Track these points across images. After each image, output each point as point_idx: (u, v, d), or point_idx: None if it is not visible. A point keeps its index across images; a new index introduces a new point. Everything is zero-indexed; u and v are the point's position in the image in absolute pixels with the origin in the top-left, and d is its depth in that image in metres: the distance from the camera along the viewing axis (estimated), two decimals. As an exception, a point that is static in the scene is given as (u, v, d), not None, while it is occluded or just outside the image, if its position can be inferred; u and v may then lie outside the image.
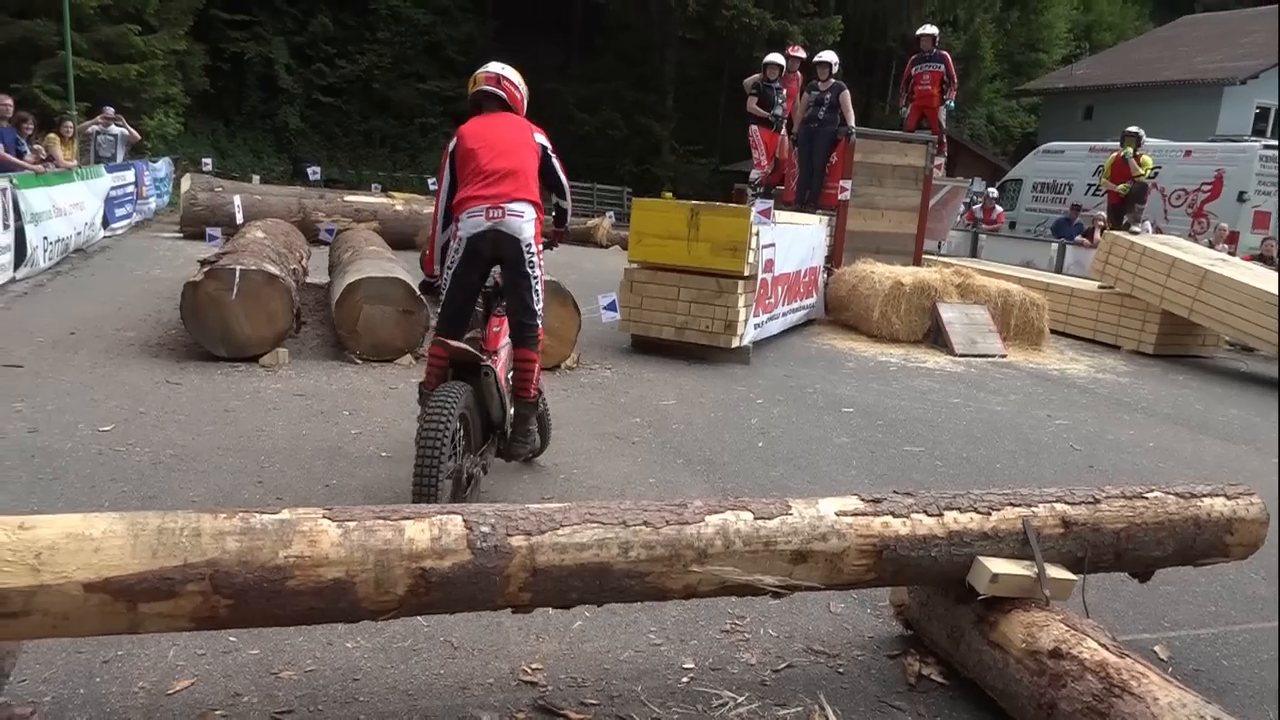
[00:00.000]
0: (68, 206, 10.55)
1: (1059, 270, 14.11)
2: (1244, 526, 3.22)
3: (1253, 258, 12.21)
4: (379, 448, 4.96)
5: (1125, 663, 2.53)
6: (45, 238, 9.61)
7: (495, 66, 4.37)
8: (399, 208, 14.52)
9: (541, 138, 4.28)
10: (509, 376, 4.31)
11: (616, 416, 5.99)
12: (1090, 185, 17.14)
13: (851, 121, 10.99)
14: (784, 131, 11.73)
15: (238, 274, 6.36)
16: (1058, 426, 6.81)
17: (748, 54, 23.74)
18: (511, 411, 4.30)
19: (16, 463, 4.27)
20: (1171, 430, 7.08)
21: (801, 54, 12.32)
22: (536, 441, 4.54)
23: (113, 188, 13.16)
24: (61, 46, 16.31)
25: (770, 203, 8.35)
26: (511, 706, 2.70)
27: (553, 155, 4.30)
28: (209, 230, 9.58)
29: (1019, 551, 2.92)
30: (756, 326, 8.22)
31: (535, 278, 4.11)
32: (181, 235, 13.39)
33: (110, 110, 15.32)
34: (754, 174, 11.90)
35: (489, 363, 4.01)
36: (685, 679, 2.94)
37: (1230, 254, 12.28)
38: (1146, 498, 3.13)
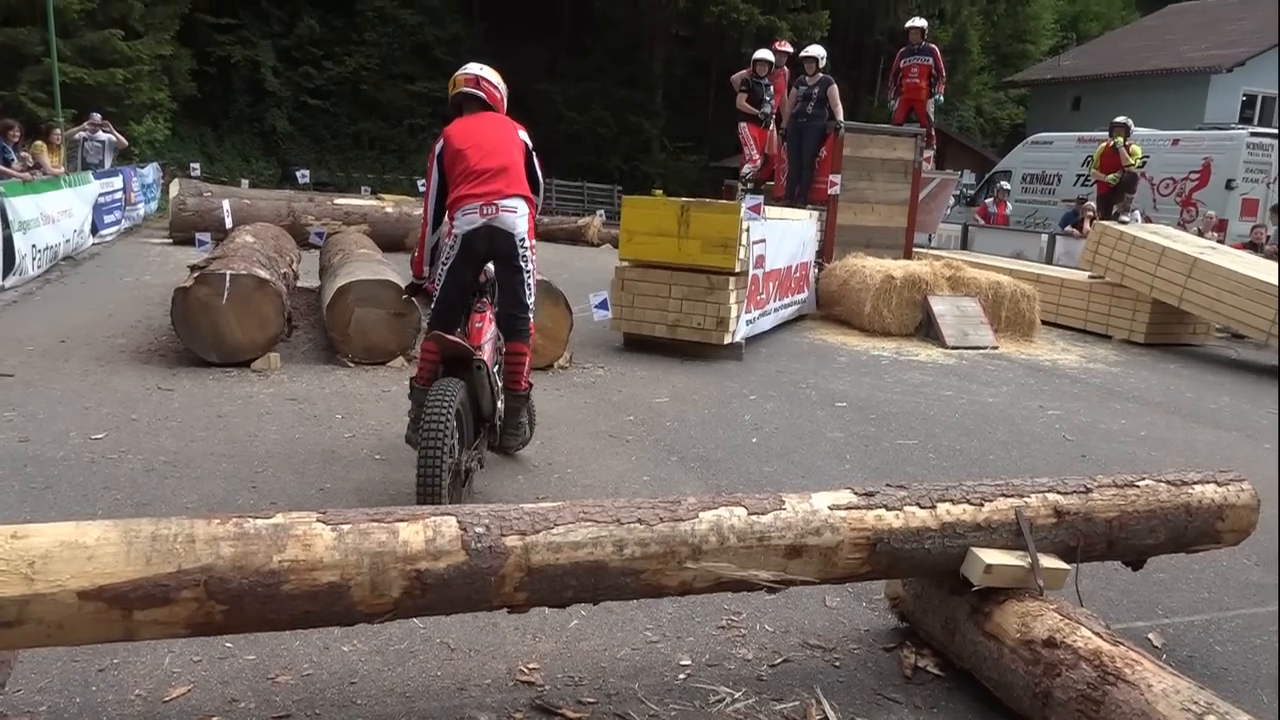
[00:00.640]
0: (56, 214, 10.51)
1: (1049, 261, 14.14)
2: (1235, 513, 3.24)
3: (1242, 245, 12.25)
4: (373, 450, 4.95)
5: (1119, 650, 2.54)
6: (34, 245, 9.57)
7: (473, 68, 4.43)
8: (389, 210, 14.49)
9: (524, 135, 4.34)
10: (497, 370, 4.33)
11: (609, 415, 5.99)
12: (1079, 176, 17.17)
13: (840, 116, 11.00)
14: (773, 127, 11.73)
15: (228, 279, 6.35)
16: (1050, 417, 6.83)
17: (736, 50, 23.76)
18: (502, 405, 4.32)
19: (8, 472, 4.26)
20: (1163, 419, 7.11)
21: (789, 49, 12.33)
22: (527, 433, 4.58)
23: (101, 194, 13.11)
24: (47, 53, 16.25)
25: (760, 199, 8.38)
26: (509, 706, 2.70)
27: (533, 154, 4.37)
28: (198, 235, 9.56)
29: (1012, 542, 2.93)
30: (749, 323, 8.22)
31: (528, 272, 4.17)
32: (171, 241, 13.36)
33: (97, 116, 15.27)
34: (745, 170, 11.91)
35: (480, 356, 4.02)
36: (682, 676, 2.95)
37: (1220, 242, 12.33)
38: (1138, 486, 3.15)
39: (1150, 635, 3.44)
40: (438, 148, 4.25)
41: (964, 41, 29.90)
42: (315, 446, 4.96)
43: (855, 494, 2.88)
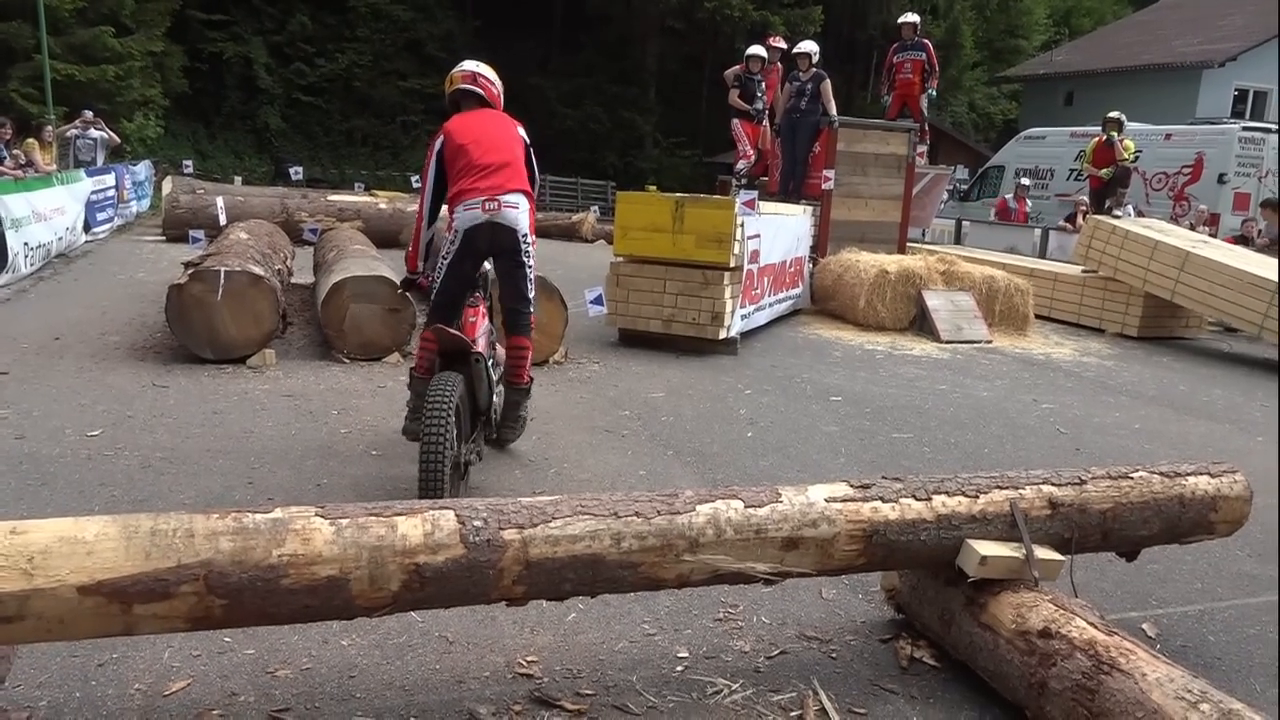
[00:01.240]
0: (48, 212, 10.48)
1: (1043, 255, 14.18)
2: (1228, 504, 3.26)
3: (1234, 239, 12.30)
4: (369, 446, 4.96)
5: (1114, 640, 2.56)
6: (26, 243, 9.54)
7: (470, 64, 4.45)
8: (383, 206, 14.47)
9: (523, 132, 4.37)
10: (492, 363, 4.34)
11: (606, 410, 6.00)
12: (1072, 170, 17.20)
13: (833, 111, 11.01)
14: (766, 123, 11.74)
15: (222, 275, 6.34)
16: (1044, 410, 6.86)
17: (729, 45, 23.77)
18: (499, 399, 4.34)
19: (4, 469, 4.26)
20: (1157, 411, 7.14)
21: (782, 45, 12.32)
22: (523, 427, 4.59)
23: (93, 192, 13.07)
24: (38, 50, 16.20)
25: (754, 194, 8.38)
26: (508, 699, 2.71)
27: (531, 150, 4.39)
28: (192, 232, 9.56)
29: (1007, 534, 2.95)
30: (743, 317, 8.24)
31: (530, 267, 4.19)
32: (164, 238, 13.31)
33: (89, 114, 15.22)
34: (739, 165, 11.90)
35: (478, 350, 4.05)
36: (680, 668, 2.96)
37: (1212, 236, 12.37)
38: (1132, 478, 3.17)
39: (1145, 625, 3.46)
40: (437, 143, 4.25)
41: (957, 36, 29.97)
42: (311, 442, 4.96)
43: (851, 486, 2.90)
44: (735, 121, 11.61)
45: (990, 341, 9.40)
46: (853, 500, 2.84)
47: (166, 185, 14.31)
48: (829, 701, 2.80)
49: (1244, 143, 15.86)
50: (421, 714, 2.62)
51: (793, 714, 2.74)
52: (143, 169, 17.82)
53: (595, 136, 27.67)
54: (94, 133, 14.92)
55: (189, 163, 17.90)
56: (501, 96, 4.48)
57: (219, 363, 6.39)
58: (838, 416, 6.26)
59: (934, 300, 9.64)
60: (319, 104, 26.66)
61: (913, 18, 12.43)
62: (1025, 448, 5.81)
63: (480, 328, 4.26)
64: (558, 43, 29.56)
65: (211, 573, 2.21)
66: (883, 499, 2.87)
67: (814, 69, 11.16)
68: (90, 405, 5.35)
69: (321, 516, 2.36)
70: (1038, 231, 14.88)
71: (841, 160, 10.91)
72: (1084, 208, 13.29)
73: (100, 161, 14.78)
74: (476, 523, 2.45)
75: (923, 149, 12.06)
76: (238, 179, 18.37)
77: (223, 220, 11.12)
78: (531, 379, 4.48)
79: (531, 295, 4.27)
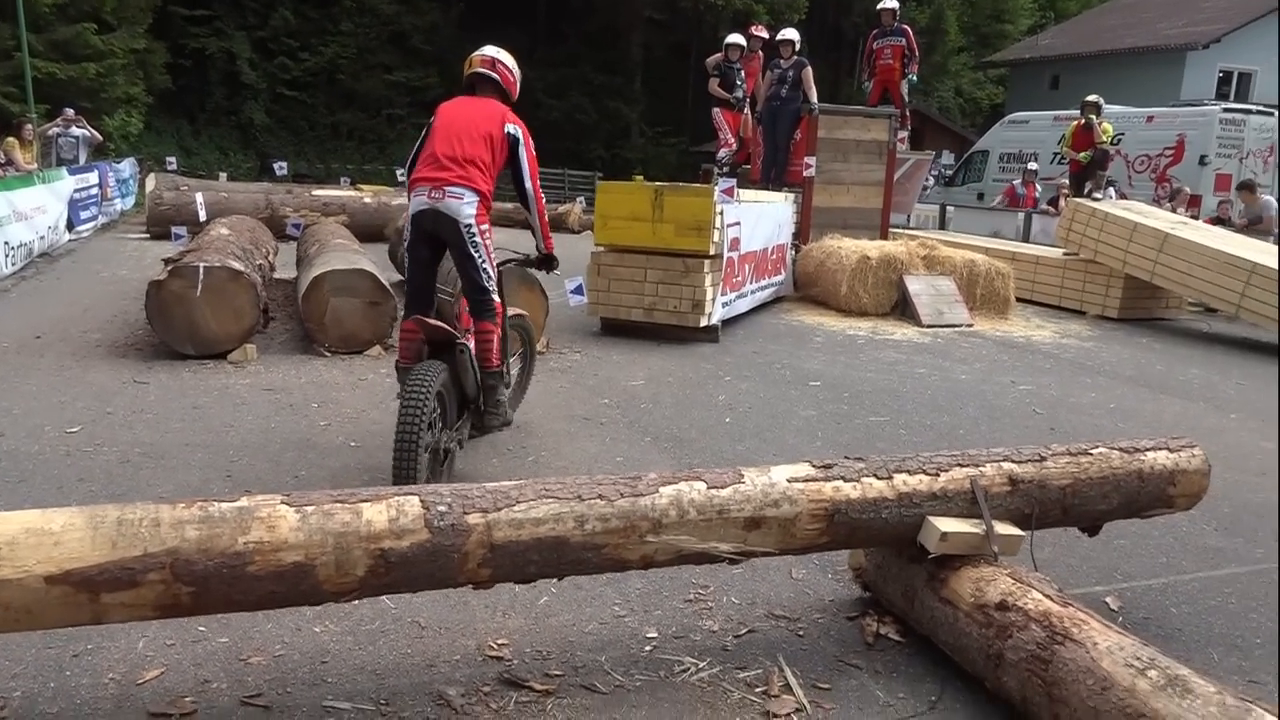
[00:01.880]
0: (29, 211, 10.47)
1: (1026, 239, 14.25)
2: (1186, 478, 3.32)
3: (1212, 220, 12.38)
4: (348, 438, 5.00)
5: (1068, 611, 2.62)
6: (6, 242, 9.53)
7: (490, 50, 4.48)
8: (367, 200, 14.48)
9: (514, 128, 4.30)
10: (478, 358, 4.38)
11: (585, 398, 6.05)
12: (1055, 154, 17.25)
13: (814, 98, 11.05)
14: (747, 110, 11.76)
15: (201, 270, 6.36)
16: (1021, 392, 6.92)
17: (714, 33, 23.71)
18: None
19: (-17, 466, 4.28)
20: (1133, 391, 7.21)
21: (763, 34, 12.33)
22: (508, 413, 4.60)
23: (76, 190, 13.05)
24: (18, 48, 16.10)
25: (733, 181, 8.41)
26: (477, 681, 2.76)
27: (523, 149, 4.32)
28: (175, 229, 9.56)
29: (968, 511, 3.00)
30: (725, 305, 8.28)
31: (480, 257, 4.19)
32: (148, 236, 13.30)
33: (70, 112, 15.17)
34: (721, 153, 11.93)
35: (464, 340, 4.15)
36: (648, 648, 3.01)
37: (1193, 217, 12.44)
38: (1091, 454, 3.22)
39: (1108, 599, 3.52)
40: (433, 117, 4.34)
41: (941, 22, 30.01)
42: (291, 435, 4.99)
43: (813, 467, 2.95)
44: (716, 110, 11.64)
45: (971, 325, 9.47)
46: (815, 480, 2.89)
47: (150, 182, 14.29)
48: (794, 677, 2.86)
49: (1224, 124, 15.94)
50: (392, 697, 2.67)
51: (758, 690, 2.79)
52: (126, 166, 17.76)
53: (581, 127, 27.64)
54: (76, 131, 14.87)
55: (173, 160, 17.86)
56: (518, 83, 4.52)
57: (200, 358, 6.41)
58: (816, 401, 6.31)
59: (915, 285, 9.70)
60: (303, 98, 26.57)
61: (892, 3, 12.44)
62: (1000, 429, 5.87)
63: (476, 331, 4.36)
64: (542, 34, 29.49)
65: (178, 561, 2.25)
66: (844, 478, 2.92)
67: (795, 56, 11.19)
68: (70, 402, 5.38)
69: (287, 504, 2.40)
70: (1021, 215, 14.94)
71: (823, 147, 10.96)
72: (1065, 191, 13.35)
73: (83, 160, 14.74)
74: (441, 508, 2.50)
75: (904, 135, 12.11)
76: (223, 175, 18.29)
77: (203, 216, 11.13)
78: (502, 363, 4.49)
79: (488, 284, 4.27)
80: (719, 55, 11.59)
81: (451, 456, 4.20)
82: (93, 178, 14.45)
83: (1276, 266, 8.86)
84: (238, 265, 6.64)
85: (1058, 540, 3.84)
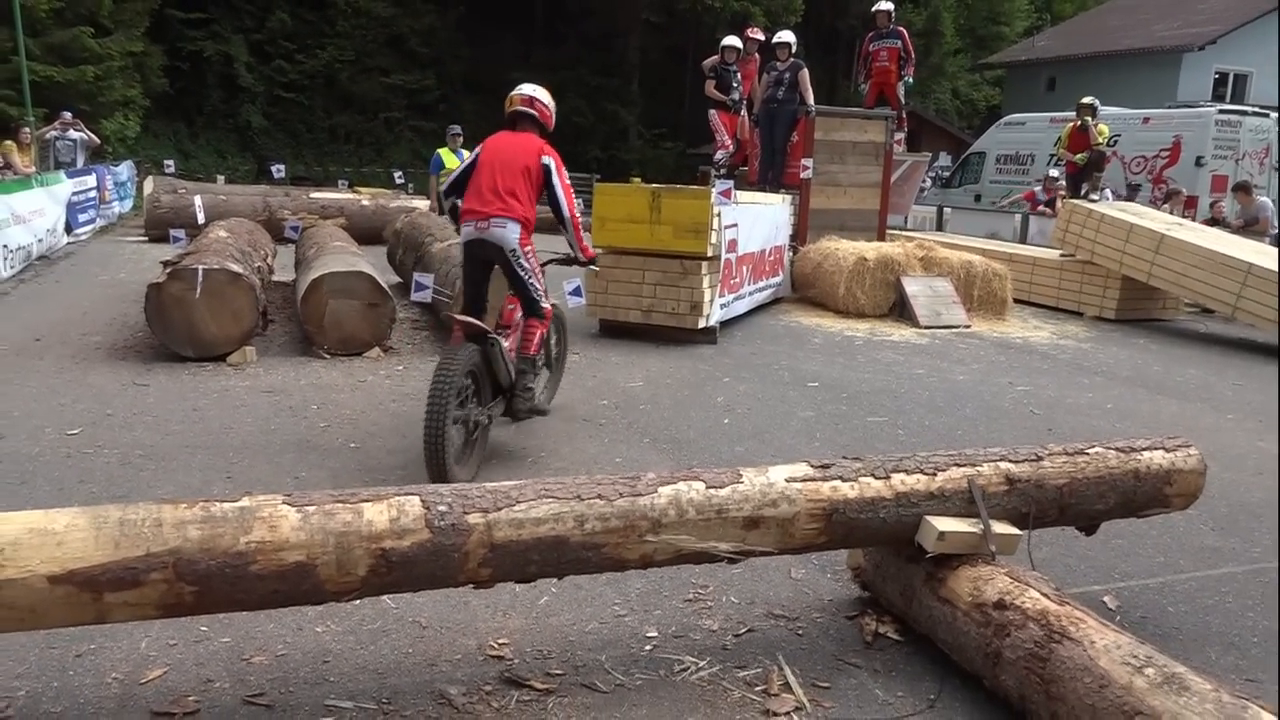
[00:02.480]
0: (27, 214, 10.47)
1: (1023, 241, 14.27)
2: (1182, 477, 3.34)
3: (1206, 221, 12.41)
4: (348, 439, 5.01)
5: (1065, 610, 2.64)
6: (5, 245, 9.54)
7: (528, 89, 4.96)
8: (365, 203, 14.49)
9: (548, 159, 4.77)
10: (515, 345, 4.83)
11: (584, 400, 6.06)
12: (1051, 155, 17.30)
13: (810, 100, 11.07)
14: (744, 113, 11.79)
15: (200, 273, 6.37)
16: (1019, 393, 6.94)
17: (711, 36, 23.70)
18: (515, 370, 4.77)
19: (-16, 468, 4.29)
20: (1130, 392, 7.23)
21: (760, 36, 12.36)
22: (538, 401, 4.97)
23: (74, 193, 13.04)
24: (15, 52, 16.09)
25: (730, 184, 8.43)
26: (479, 680, 2.77)
27: (556, 174, 4.77)
28: (173, 232, 9.55)
29: (965, 510, 3.02)
30: (723, 306, 8.30)
31: (528, 272, 4.70)
32: (146, 238, 13.30)
33: (68, 115, 15.16)
34: (718, 155, 11.95)
35: (495, 335, 4.63)
36: (648, 647, 3.03)
37: (1190, 219, 12.48)
38: (1087, 453, 3.24)
39: (1105, 599, 3.54)
40: (478, 150, 4.86)
41: (938, 24, 30.05)
42: (290, 437, 5.01)
43: (812, 466, 2.97)
44: (712, 112, 11.66)
45: (969, 326, 9.49)
46: (812, 480, 2.90)
47: (148, 185, 14.29)
48: (793, 675, 2.88)
49: (1220, 125, 15.97)
50: (394, 696, 2.68)
51: (757, 688, 2.81)
52: (124, 169, 17.77)
53: (578, 130, 27.62)
54: (73, 134, 14.86)
55: (171, 163, 17.78)
56: (553, 117, 5.00)
57: (200, 360, 6.42)
58: (814, 402, 6.33)
59: (912, 286, 9.72)
60: (301, 101, 26.54)
61: (887, 6, 12.47)
62: (998, 429, 5.89)
63: (516, 315, 4.87)
64: (539, 37, 29.49)
65: (180, 560, 2.26)
66: (842, 478, 2.94)
67: (792, 59, 11.22)
68: (70, 404, 5.39)
69: (288, 504, 2.42)
70: (1018, 217, 14.97)
71: (820, 149, 10.99)
72: (1061, 192, 13.38)
73: (81, 163, 14.73)
74: (441, 507, 2.51)
75: (900, 136, 12.13)
76: (220, 178, 18.32)
77: (201, 219, 11.12)
78: (539, 352, 4.90)
79: (536, 295, 4.77)
80: (715, 58, 11.61)
81: (483, 431, 4.64)
82: (90, 181, 14.45)
83: (1272, 267, 8.89)
84: (236, 268, 6.65)
85: (1055, 539, 3.86)
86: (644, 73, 29.23)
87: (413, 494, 2.54)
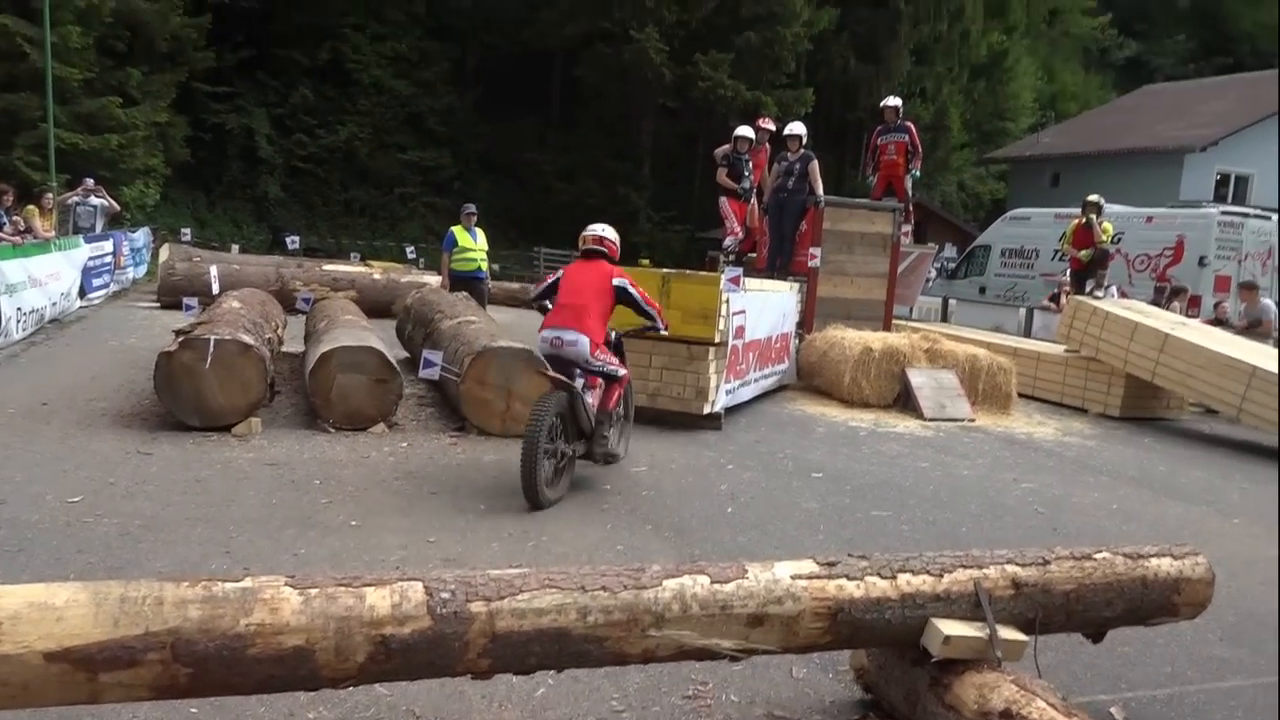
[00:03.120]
0: (44, 277, 10.60)
1: (1028, 335, 14.35)
2: (1191, 586, 3.31)
3: (1210, 321, 12.48)
4: (349, 516, 4.98)
5: (1073, 722, 2.58)
6: (19, 309, 9.63)
7: (598, 229, 6.05)
8: (377, 276, 14.66)
9: (620, 280, 5.83)
10: (598, 402, 5.82)
11: (587, 483, 6.04)
12: (1056, 251, 17.49)
13: (820, 191, 11.26)
14: (754, 201, 11.99)
15: (212, 343, 6.42)
16: (1023, 490, 6.91)
17: (723, 123, 24.24)
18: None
19: (-17, 535, 4.27)
20: (1135, 492, 7.19)
21: (771, 126, 12.65)
22: (614, 448, 5.96)
23: (90, 258, 13.22)
24: (44, 119, 16.49)
25: (740, 270, 8.52)
26: (472, 774, 2.72)
27: (632, 290, 5.85)
28: (186, 300, 9.62)
29: (971, 613, 2.98)
30: (729, 392, 8.32)
31: (602, 364, 5.71)
32: (158, 305, 13.44)
33: (90, 181, 15.46)
34: (728, 241, 12.12)
35: (576, 389, 5.57)
36: (646, 745, 2.97)
37: (1194, 317, 12.55)
38: (1095, 558, 3.22)
39: (1113, 709, 3.48)
40: (560, 271, 6.08)
41: (945, 119, 30.65)
42: (292, 512, 4.99)
43: (817, 564, 2.94)
44: (723, 199, 11.86)
45: (973, 420, 9.48)
46: (818, 577, 2.88)
47: (164, 252, 14.50)
48: (793, 781, 2.81)
49: (1223, 226, 16.17)
50: (385, 788, 2.62)
51: (756, 793, 2.74)
52: (141, 235, 18.03)
53: (590, 210, 27.92)
54: (94, 200, 15.13)
55: (187, 231, 18.11)
56: (618, 248, 6.07)
57: (205, 430, 6.43)
58: (818, 493, 6.30)
59: (918, 378, 9.75)
60: (318, 174, 27.04)
61: (895, 101, 12.77)
62: (1003, 527, 5.84)
63: (599, 380, 5.87)
64: (555, 118, 30.17)
65: (179, 641, 2.24)
66: (848, 576, 2.91)
67: (802, 150, 11.44)
68: (73, 471, 5.38)
69: (290, 586, 2.40)
70: (1022, 311, 15.08)
71: (828, 238, 11.13)
72: (1066, 288, 13.50)
73: (99, 228, 14.97)
74: (444, 594, 2.49)
75: (908, 228, 12.30)
76: (235, 247, 18.57)
77: (216, 289, 11.25)
78: (615, 409, 5.91)
79: (612, 370, 5.82)
80: (728, 146, 11.85)
81: (569, 462, 5.64)
82: (107, 246, 14.66)
83: (1276, 370, 8.91)
84: (248, 339, 6.70)
85: (1061, 645, 3.80)
86: (655, 157, 29.78)
87: (415, 580, 2.52)
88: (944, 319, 16.14)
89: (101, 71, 19.43)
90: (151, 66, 21.35)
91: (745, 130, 11.91)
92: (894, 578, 2.95)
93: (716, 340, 7.83)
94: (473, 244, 11.66)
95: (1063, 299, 13.44)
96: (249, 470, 5.71)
